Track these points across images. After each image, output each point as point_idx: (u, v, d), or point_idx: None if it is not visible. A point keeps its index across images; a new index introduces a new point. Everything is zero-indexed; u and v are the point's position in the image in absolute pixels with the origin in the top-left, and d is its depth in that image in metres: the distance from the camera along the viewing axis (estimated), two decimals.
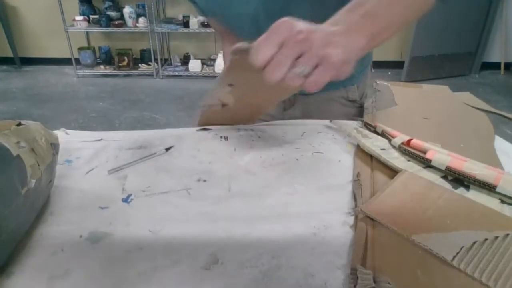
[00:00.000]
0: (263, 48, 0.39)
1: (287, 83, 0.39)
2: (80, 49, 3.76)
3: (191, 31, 3.57)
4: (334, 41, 0.39)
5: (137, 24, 3.62)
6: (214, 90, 0.62)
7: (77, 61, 3.73)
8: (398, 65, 3.69)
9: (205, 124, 0.69)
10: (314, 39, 0.38)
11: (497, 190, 0.46)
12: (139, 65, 3.82)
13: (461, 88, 0.99)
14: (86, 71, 3.76)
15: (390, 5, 0.47)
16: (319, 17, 0.50)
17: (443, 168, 0.50)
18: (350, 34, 0.42)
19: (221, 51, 0.84)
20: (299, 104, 0.82)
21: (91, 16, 3.64)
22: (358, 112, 0.82)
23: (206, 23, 3.47)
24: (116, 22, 3.58)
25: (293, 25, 0.39)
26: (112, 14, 3.60)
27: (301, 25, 0.39)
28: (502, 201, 0.46)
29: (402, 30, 0.51)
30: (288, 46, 0.38)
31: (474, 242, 0.38)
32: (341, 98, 0.81)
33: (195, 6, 0.75)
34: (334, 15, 0.45)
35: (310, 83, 0.39)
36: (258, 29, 0.65)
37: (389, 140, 0.59)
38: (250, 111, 0.70)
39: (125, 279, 0.37)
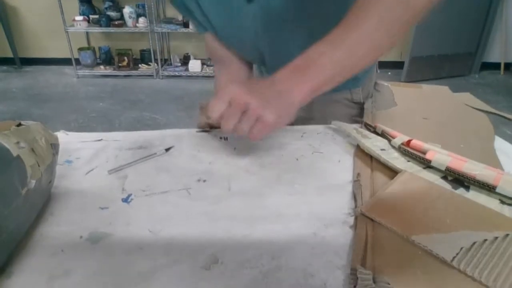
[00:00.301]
0: (215, 106, 0.50)
1: (237, 133, 0.50)
2: (80, 49, 3.76)
3: (191, 31, 3.57)
4: (268, 104, 0.48)
5: (137, 24, 3.62)
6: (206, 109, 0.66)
7: (77, 61, 3.73)
8: (398, 65, 3.69)
9: (204, 126, 0.69)
10: (251, 102, 0.48)
11: (497, 190, 0.46)
12: (139, 65, 3.82)
13: (461, 88, 0.99)
14: (86, 71, 3.76)
15: (340, 62, 0.52)
16: (315, 31, 0.53)
17: (443, 169, 0.50)
18: (285, 95, 0.50)
19: None
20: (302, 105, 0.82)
21: (91, 16, 3.64)
22: (358, 112, 0.82)
23: None
24: (116, 22, 3.58)
25: (237, 91, 0.49)
26: (112, 14, 3.61)
27: (244, 90, 0.49)
28: (502, 202, 0.46)
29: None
30: (233, 106, 0.49)
31: (474, 243, 0.38)
32: (345, 100, 0.80)
33: (193, 21, 0.75)
34: (322, 37, 0.51)
35: (251, 135, 0.49)
36: (257, 44, 0.67)
37: (389, 141, 0.59)
38: None
39: (125, 279, 0.37)
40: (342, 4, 0.57)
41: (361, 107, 0.81)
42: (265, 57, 0.73)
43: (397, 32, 0.52)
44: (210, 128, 0.68)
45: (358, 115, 0.80)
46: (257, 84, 0.52)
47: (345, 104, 0.80)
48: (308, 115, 0.81)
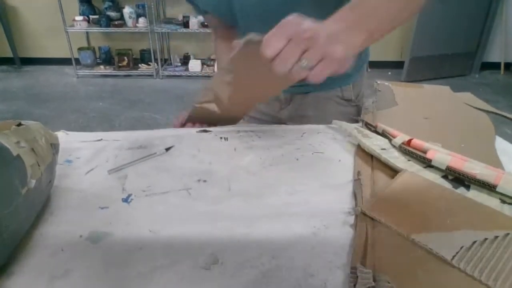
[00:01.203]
0: (273, 42, 0.42)
1: (293, 75, 0.43)
2: (80, 49, 3.76)
3: (191, 31, 3.57)
4: (337, 39, 0.43)
5: (137, 24, 3.62)
6: (212, 81, 0.64)
7: (77, 61, 3.73)
8: (398, 65, 3.69)
9: (193, 120, 0.70)
10: (318, 36, 0.42)
11: (497, 190, 0.46)
12: (139, 65, 3.82)
13: (461, 88, 0.98)
14: (86, 71, 3.76)
15: (387, 4, 0.50)
16: (319, 14, 0.52)
17: (444, 168, 0.50)
18: (351, 31, 0.45)
19: None
20: (295, 103, 0.82)
21: (91, 16, 3.64)
22: (354, 111, 0.83)
23: (205, 24, 3.47)
24: (116, 22, 3.57)
25: (300, 23, 0.43)
26: (112, 14, 3.60)
27: (307, 22, 0.43)
28: (503, 201, 0.46)
29: (397, 28, 0.55)
30: (295, 42, 0.42)
31: (474, 242, 0.38)
32: (336, 97, 0.81)
33: (192, 4, 0.75)
34: (334, 12, 0.48)
35: (313, 76, 0.43)
36: (261, 23, 0.65)
37: (390, 140, 0.59)
38: (241, 107, 0.71)
39: (125, 279, 0.36)
40: None
41: (353, 104, 0.83)
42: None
43: None
44: (215, 100, 0.65)
45: (350, 112, 0.82)
46: (315, 22, 0.45)
47: (337, 102, 0.82)
48: (300, 113, 0.81)
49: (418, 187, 0.48)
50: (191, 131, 0.68)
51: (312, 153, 0.60)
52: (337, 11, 0.47)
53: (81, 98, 3.28)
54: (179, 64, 3.85)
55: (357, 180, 0.51)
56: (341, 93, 0.81)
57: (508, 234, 0.39)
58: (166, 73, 3.76)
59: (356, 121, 0.72)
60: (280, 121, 0.84)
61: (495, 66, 3.87)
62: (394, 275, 0.34)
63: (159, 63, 3.72)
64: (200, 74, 3.73)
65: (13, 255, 0.39)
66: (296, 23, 0.43)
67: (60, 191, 0.50)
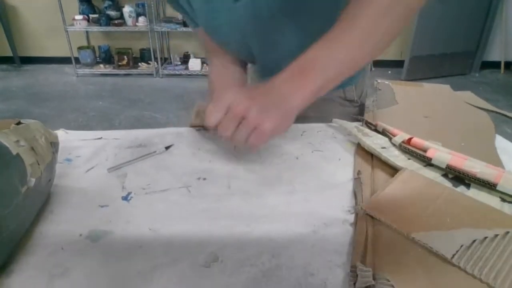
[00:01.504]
0: (213, 113, 0.50)
1: (234, 142, 0.50)
2: (80, 48, 3.76)
3: (191, 30, 3.56)
4: (267, 113, 0.48)
5: (136, 23, 3.62)
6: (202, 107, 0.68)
7: (77, 60, 3.73)
8: (398, 64, 3.69)
9: (198, 124, 0.70)
10: (248, 112, 0.47)
11: (497, 188, 0.46)
12: (139, 64, 3.82)
13: (461, 87, 0.98)
14: (86, 70, 3.76)
15: (339, 61, 0.52)
16: (304, 30, 0.53)
17: (444, 167, 0.50)
18: (286, 101, 0.49)
19: None
20: None
21: (90, 16, 3.64)
22: (357, 111, 0.82)
23: None
24: (116, 22, 3.57)
25: (235, 97, 0.49)
26: (112, 13, 3.60)
27: (242, 97, 0.49)
28: (503, 200, 0.46)
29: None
30: (229, 116, 0.49)
31: (474, 240, 0.38)
32: (338, 98, 0.81)
33: (186, 17, 0.75)
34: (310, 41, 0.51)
35: (250, 144, 0.49)
36: (246, 42, 0.67)
37: (390, 139, 0.59)
38: None
39: (125, 278, 0.36)
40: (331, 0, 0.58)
41: (355, 105, 0.82)
42: (255, 56, 0.73)
43: (396, 28, 0.53)
44: (203, 128, 0.68)
45: (353, 113, 0.81)
46: (256, 90, 0.51)
47: (339, 102, 0.81)
48: (302, 113, 0.81)
49: (418, 185, 0.48)
50: (191, 130, 0.68)
51: (312, 152, 0.60)
52: (279, 74, 0.51)
53: (81, 97, 3.28)
54: (179, 63, 3.85)
55: (357, 179, 0.51)
56: (344, 94, 0.80)
57: (508, 232, 0.39)
58: (166, 72, 3.76)
59: (358, 120, 0.72)
60: None
61: (495, 65, 3.87)
62: (394, 274, 0.34)
63: (159, 62, 3.72)
64: (200, 73, 3.73)
65: (13, 254, 0.39)
66: (232, 98, 0.49)
67: (60, 189, 0.50)
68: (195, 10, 0.69)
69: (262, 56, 0.73)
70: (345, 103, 0.81)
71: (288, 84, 0.50)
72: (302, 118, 0.81)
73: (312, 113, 0.80)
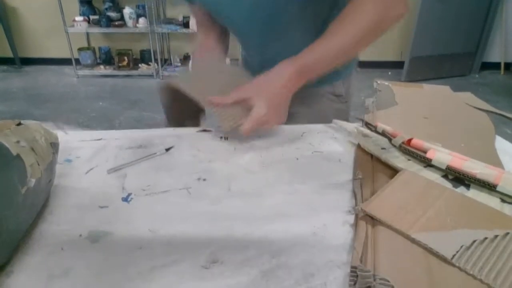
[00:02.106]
0: (229, 98, 0.62)
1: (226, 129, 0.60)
2: (80, 49, 3.76)
3: (191, 31, 3.57)
4: (279, 112, 0.62)
5: (137, 25, 3.62)
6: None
7: (77, 61, 3.73)
8: (398, 65, 3.68)
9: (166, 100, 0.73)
10: (268, 117, 0.60)
11: (497, 189, 0.46)
12: (139, 65, 3.82)
13: (461, 88, 0.98)
14: (86, 71, 3.76)
15: (332, 61, 0.64)
16: (308, 16, 0.59)
17: (444, 167, 0.50)
18: (286, 101, 0.64)
19: None
20: None
21: (91, 17, 3.64)
22: (345, 107, 0.85)
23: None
24: (116, 23, 3.57)
25: (258, 103, 0.59)
26: (112, 14, 3.60)
27: (262, 104, 0.59)
28: (503, 200, 0.46)
29: (397, 28, 0.67)
30: (255, 117, 0.59)
31: (474, 241, 0.38)
32: (328, 93, 0.83)
33: None
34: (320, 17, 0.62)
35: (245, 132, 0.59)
36: (251, 23, 0.72)
37: (390, 140, 0.59)
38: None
39: (124, 278, 0.36)
40: None
41: (343, 101, 0.86)
42: (256, 39, 0.77)
43: (369, 42, 0.63)
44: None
45: (339, 108, 0.85)
46: (266, 91, 0.61)
47: (329, 98, 0.84)
48: (292, 109, 0.82)
49: (418, 186, 0.48)
50: (191, 131, 0.68)
51: (312, 153, 0.60)
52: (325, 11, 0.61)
53: (81, 98, 3.28)
54: (179, 64, 3.85)
55: (357, 180, 0.51)
56: (332, 89, 0.83)
57: (508, 233, 0.39)
58: (166, 73, 3.76)
59: (347, 118, 0.73)
60: None
61: (495, 66, 3.87)
62: (394, 274, 0.34)
63: (159, 63, 3.72)
64: None
65: (13, 254, 0.39)
66: (255, 103, 0.60)
67: (60, 190, 0.50)
68: None
69: (264, 40, 0.77)
70: (334, 98, 0.84)
71: (289, 88, 0.62)
72: (292, 113, 0.83)
73: (303, 107, 0.82)
